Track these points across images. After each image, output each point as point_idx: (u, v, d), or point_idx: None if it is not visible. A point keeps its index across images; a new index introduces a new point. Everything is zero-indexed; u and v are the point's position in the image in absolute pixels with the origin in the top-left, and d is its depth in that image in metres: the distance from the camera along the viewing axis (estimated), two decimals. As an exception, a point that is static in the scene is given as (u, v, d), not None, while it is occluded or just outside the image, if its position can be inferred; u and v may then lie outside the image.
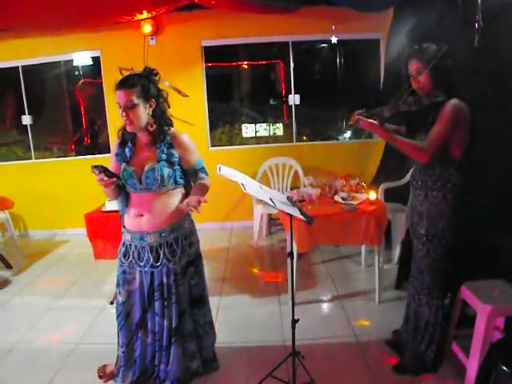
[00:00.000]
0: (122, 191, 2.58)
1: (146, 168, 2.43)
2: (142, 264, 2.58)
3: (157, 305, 2.64)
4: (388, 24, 5.42)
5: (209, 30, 5.87)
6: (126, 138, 2.54)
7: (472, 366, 2.71)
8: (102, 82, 6.12)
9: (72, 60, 6.38)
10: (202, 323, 2.87)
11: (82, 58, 6.29)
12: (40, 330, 3.70)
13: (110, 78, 5.90)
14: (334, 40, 5.38)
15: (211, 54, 6.15)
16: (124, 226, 2.65)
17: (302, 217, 2.34)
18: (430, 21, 4.04)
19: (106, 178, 2.30)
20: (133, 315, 2.70)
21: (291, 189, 5.09)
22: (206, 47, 6.01)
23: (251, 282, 4.53)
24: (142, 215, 2.52)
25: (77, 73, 6.85)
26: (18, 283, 4.77)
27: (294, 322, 2.80)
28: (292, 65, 6.11)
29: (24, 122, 6.37)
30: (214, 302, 4.00)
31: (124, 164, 2.47)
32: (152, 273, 2.60)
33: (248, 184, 2.46)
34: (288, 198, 2.31)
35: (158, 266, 2.57)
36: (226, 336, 3.47)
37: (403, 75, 2.76)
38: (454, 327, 3.09)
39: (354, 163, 5.72)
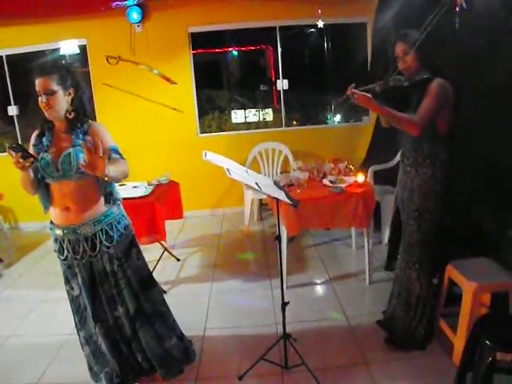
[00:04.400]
0: (41, 184, 2.49)
1: (62, 154, 2.38)
2: (78, 257, 2.52)
3: (108, 294, 2.62)
4: (374, 8, 5.43)
5: (196, 16, 5.81)
6: (44, 129, 2.49)
7: (459, 342, 2.76)
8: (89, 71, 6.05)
9: (59, 49, 6.28)
10: (160, 301, 2.86)
11: (69, 47, 6.17)
12: (32, 323, 3.70)
13: (97, 67, 5.87)
14: (320, 24, 5.36)
15: (199, 41, 6.11)
16: (51, 222, 2.57)
17: (287, 200, 2.35)
18: (415, 4, 4.05)
19: (21, 160, 2.19)
20: (89, 309, 2.65)
21: (281, 173, 5.10)
22: (193, 34, 5.96)
23: (243, 267, 4.56)
24: (68, 208, 2.45)
25: (64, 62, 6.75)
26: (9, 276, 4.77)
27: (284, 304, 2.83)
28: (280, 50, 6.09)
29: (10, 113, 6.29)
30: (205, 288, 4.05)
31: (42, 153, 2.41)
32: (91, 263, 2.55)
33: (234, 169, 2.46)
34: (275, 182, 2.32)
35: (96, 256, 2.53)
36: (219, 321, 3.51)
37: (390, 58, 2.81)
38: (442, 305, 3.14)
39: (343, 147, 5.73)
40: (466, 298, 2.78)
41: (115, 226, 2.58)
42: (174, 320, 2.95)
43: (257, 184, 2.40)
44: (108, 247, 2.54)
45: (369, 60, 5.89)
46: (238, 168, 2.59)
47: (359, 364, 2.92)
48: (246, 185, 2.63)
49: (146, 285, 2.74)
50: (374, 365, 2.90)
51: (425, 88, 2.68)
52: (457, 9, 3.27)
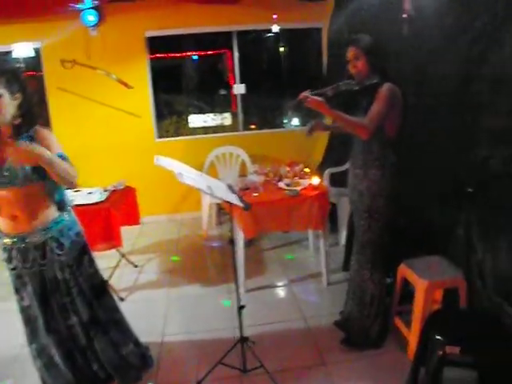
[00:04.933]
0: None
1: (7, 160, 2.30)
2: (28, 266, 2.45)
3: (60, 303, 2.54)
4: (329, 13, 5.53)
5: (152, 20, 5.75)
6: None
7: (413, 338, 2.83)
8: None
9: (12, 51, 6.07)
10: (115, 308, 2.82)
11: (22, 50, 5.96)
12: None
13: (51, 71, 5.72)
14: (275, 29, 5.41)
15: (157, 45, 6.06)
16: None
17: (240, 203, 2.36)
18: (369, 9, 4.15)
19: None
20: (40, 320, 2.57)
21: (239, 177, 5.09)
22: (150, 38, 5.90)
23: (201, 272, 4.52)
24: (16, 216, 2.38)
25: (11, 65, 6.52)
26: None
27: (240, 308, 2.83)
28: (237, 54, 6.11)
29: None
30: (163, 293, 4.02)
31: None
32: (41, 271, 2.48)
33: (186, 173, 2.45)
34: (228, 185, 2.32)
35: (46, 264, 2.46)
36: (177, 327, 3.49)
37: (345, 62, 2.86)
38: (397, 303, 3.20)
39: (301, 150, 5.77)
40: (418, 296, 2.86)
41: (66, 233, 2.51)
42: (130, 327, 2.90)
43: (209, 188, 2.39)
44: (59, 255, 2.47)
45: (324, 64, 5.99)
46: (192, 172, 2.57)
47: (317, 365, 2.96)
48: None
49: (100, 292, 2.68)
50: (331, 365, 2.94)
51: (375, 92, 2.73)
52: (405, 16, 3.39)
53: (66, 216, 2.54)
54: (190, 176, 2.45)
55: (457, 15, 3.00)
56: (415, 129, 3.38)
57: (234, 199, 2.41)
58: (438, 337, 2.33)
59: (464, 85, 2.95)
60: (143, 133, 5.95)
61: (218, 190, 2.45)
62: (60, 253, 2.47)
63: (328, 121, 3.26)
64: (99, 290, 2.68)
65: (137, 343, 2.91)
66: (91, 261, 2.66)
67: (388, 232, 2.99)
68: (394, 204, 2.94)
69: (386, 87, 2.71)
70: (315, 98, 2.65)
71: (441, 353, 2.28)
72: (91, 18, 5.49)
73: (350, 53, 2.82)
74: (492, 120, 2.70)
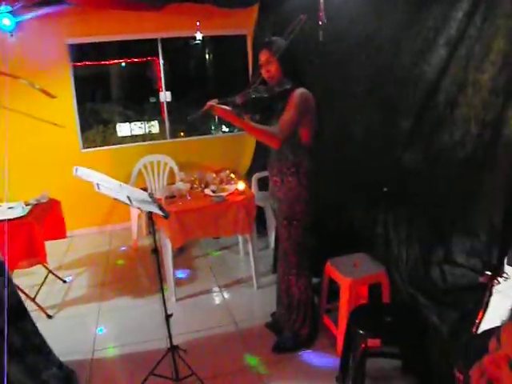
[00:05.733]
0: None
1: None
2: None
3: None
4: (254, 20, 5.60)
5: (74, 27, 5.56)
6: None
7: (340, 334, 2.91)
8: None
9: None
10: (34, 332, 2.71)
11: None
12: None
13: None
14: (199, 36, 5.42)
15: (82, 53, 5.91)
16: None
17: (159, 212, 2.35)
18: (292, 16, 4.24)
19: None
20: None
21: (166, 186, 5.05)
22: (74, 45, 5.73)
23: (133, 283, 4.45)
24: None
25: None
26: None
27: (168, 317, 2.80)
28: (162, 62, 6.06)
29: None
30: (94, 308, 3.91)
31: None
32: None
33: (105, 183, 2.41)
34: (149, 194, 2.30)
35: None
36: (108, 341, 3.42)
37: None
38: (325, 302, 3.29)
39: (229, 156, 5.82)
40: (342, 293, 2.95)
41: None
42: (51, 349, 2.79)
43: (128, 198, 2.37)
44: None
45: (250, 70, 6.06)
46: (111, 183, 2.53)
47: (249, 368, 2.99)
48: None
49: (16, 316, 2.55)
50: (263, 368, 2.97)
51: (287, 98, 2.69)
52: (320, 22, 3.48)
53: None
54: (108, 186, 2.41)
55: (365, 23, 3.13)
56: (334, 131, 3.49)
57: (153, 208, 2.39)
58: (360, 331, 2.43)
59: (377, 88, 3.08)
60: (68, 143, 5.76)
61: (137, 199, 2.42)
62: None
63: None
64: (16, 313, 2.55)
65: (60, 366, 2.80)
66: (8, 280, 2.55)
67: (310, 237, 3.01)
68: (312, 209, 2.93)
69: (297, 93, 2.67)
70: (222, 106, 2.56)
71: (363, 346, 2.39)
72: (7, 21, 5.22)
73: (263, 57, 2.77)
74: (403, 121, 2.84)
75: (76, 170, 2.53)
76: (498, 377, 1.08)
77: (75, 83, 5.80)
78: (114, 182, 2.54)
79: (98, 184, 2.29)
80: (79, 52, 5.85)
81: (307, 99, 2.71)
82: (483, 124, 2.19)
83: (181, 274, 4.42)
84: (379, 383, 2.80)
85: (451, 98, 2.40)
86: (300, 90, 2.69)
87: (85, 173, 2.52)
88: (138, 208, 2.45)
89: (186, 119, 2.85)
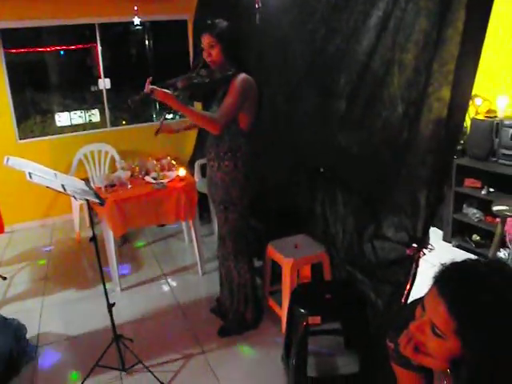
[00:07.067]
0: None
1: None
2: None
3: None
4: (194, 5, 5.57)
5: (4, 10, 5.31)
6: None
7: (284, 314, 2.97)
8: None
9: None
10: None
11: None
12: None
13: None
14: (137, 21, 5.30)
15: (16, 39, 5.63)
16: None
17: (95, 199, 2.32)
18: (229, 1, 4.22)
19: None
20: None
21: (105, 174, 4.95)
22: (6, 30, 5.43)
23: (77, 275, 4.35)
24: None
25: None
26: None
27: (110, 306, 2.78)
28: (100, 48, 5.90)
29: None
30: (37, 303, 3.81)
31: None
32: None
33: (38, 173, 2.35)
34: (86, 183, 2.26)
35: None
36: (52, 335, 3.36)
37: None
38: (269, 284, 3.34)
39: (172, 143, 5.74)
40: (284, 274, 3.00)
41: None
42: None
43: (63, 186, 2.32)
44: None
45: (191, 56, 6.00)
46: (45, 171, 2.47)
47: (196, 354, 3.01)
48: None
49: None
50: (210, 352, 3.01)
51: (229, 84, 2.68)
52: (256, 6, 3.48)
53: None
54: (41, 176, 2.35)
55: (300, 6, 3.16)
56: (273, 114, 3.52)
57: (89, 196, 2.35)
58: (301, 309, 2.49)
59: (313, 71, 3.13)
60: (2, 134, 5.53)
61: (72, 188, 2.37)
62: None
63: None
64: None
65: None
66: None
67: (247, 221, 3.04)
68: (249, 194, 2.95)
69: (239, 78, 2.66)
70: (163, 90, 2.49)
71: (304, 324, 2.44)
72: None
73: (205, 40, 2.72)
74: (337, 103, 2.90)
75: (7, 159, 2.45)
76: (423, 341, 1.14)
77: (8, 71, 5.52)
78: (49, 172, 2.49)
79: (29, 173, 2.22)
80: (13, 38, 5.57)
81: (249, 85, 2.71)
82: (408, 102, 2.27)
83: (124, 269, 4.35)
84: (322, 360, 2.89)
85: (379, 79, 2.48)
86: (242, 76, 2.68)
87: (17, 163, 2.44)
88: (73, 196, 2.39)
89: (127, 107, 2.76)
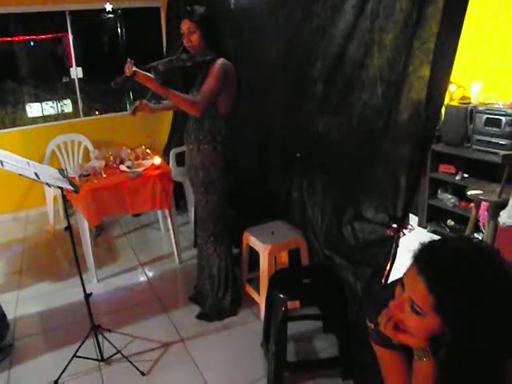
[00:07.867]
0: None
1: None
2: None
3: None
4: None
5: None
6: None
7: (262, 300, 2.96)
8: None
9: None
10: None
11: None
12: None
13: None
14: (108, 8, 5.22)
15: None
16: None
17: (69, 187, 2.28)
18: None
19: None
20: None
21: (79, 164, 4.86)
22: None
23: (53, 267, 4.29)
24: None
25: None
26: None
27: (87, 296, 2.76)
28: (71, 37, 5.78)
29: None
30: (11, 297, 3.73)
31: None
32: None
33: (10, 161, 2.30)
34: (60, 171, 2.22)
35: None
36: (29, 329, 3.30)
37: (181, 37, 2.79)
38: (246, 271, 3.35)
39: (146, 132, 5.68)
40: (262, 260, 3.01)
41: None
42: None
43: (36, 174, 2.27)
44: None
45: (164, 43, 5.93)
46: (17, 160, 2.42)
47: (175, 342, 3.00)
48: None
49: None
50: (189, 340, 3.00)
51: (208, 68, 2.72)
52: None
53: None
54: (13, 164, 2.30)
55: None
56: (251, 99, 3.50)
57: (63, 183, 2.32)
58: (280, 295, 2.49)
59: (289, 55, 3.12)
60: (-28, 126, 5.41)
61: (45, 176, 2.33)
62: None
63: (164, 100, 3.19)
64: None
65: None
66: None
67: (226, 204, 3.06)
68: (229, 176, 2.99)
69: (219, 62, 2.71)
70: (144, 72, 2.53)
71: (283, 309, 2.44)
72: None
73: (184, 26, 2.74)
74: (315, 87, 2.90)
75: (-23, 150, 2.39)
76: (402, 319, 1.16)
77: (-25, 61, 5.40)
78: (21, 160, 2.44)
79: (1, 161, 2.17)
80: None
81: (228, 69, 2.76)
82: (388, 83, 2.28)
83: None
84: (301, 345, 2.91)
85: (358, 61, 2.48)
86: (221, 60, 2.73)
87: (-14, 152, 2.38)
88: (47, 184, 2.35)
89: (102, 95, 2.74)
